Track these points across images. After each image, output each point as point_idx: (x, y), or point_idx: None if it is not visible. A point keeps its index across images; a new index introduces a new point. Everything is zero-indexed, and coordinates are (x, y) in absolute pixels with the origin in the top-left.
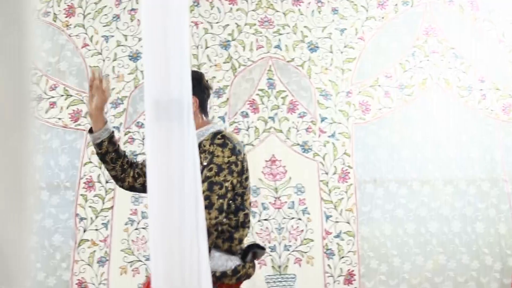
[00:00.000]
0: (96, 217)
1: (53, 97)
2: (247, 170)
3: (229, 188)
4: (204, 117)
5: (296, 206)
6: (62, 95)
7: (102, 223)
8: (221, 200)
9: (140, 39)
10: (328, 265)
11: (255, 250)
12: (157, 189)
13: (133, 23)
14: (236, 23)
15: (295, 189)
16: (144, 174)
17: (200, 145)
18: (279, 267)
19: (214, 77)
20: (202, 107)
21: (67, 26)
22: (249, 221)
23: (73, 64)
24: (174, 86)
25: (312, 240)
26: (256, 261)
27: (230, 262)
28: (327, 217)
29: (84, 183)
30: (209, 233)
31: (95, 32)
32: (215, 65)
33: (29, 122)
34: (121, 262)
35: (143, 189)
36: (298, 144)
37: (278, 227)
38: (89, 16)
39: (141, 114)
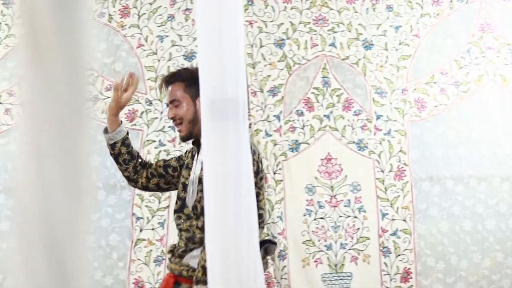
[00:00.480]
0: (153, 216)
1: (108, 97)
2: (262, 170)
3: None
4: None
5: (352, 204)
6: None
7: (159, 223)
8: None
9: (194, 39)
10: (385, 263)
11: (267, 245)
12: (212, 189)
13: (188, 23)
14: (290, 22)
15: (351, 187)
16: (158, 175)
17: None
18: (335, 265)
19: (269, 75)
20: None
21: (122, 26)
22: (263, 221)
23: (128, 64)
24: (229, 85)
25: (368, 238)
26: (268, 257)
27: None
28: (383, 215)
29: None
30: None
31: (150, 32)
32: (270, 64)
33: (86, 122)
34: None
35: (157, 189)
36: (353, 142)
37: (334, 225)
38: (144, 17)
39: None
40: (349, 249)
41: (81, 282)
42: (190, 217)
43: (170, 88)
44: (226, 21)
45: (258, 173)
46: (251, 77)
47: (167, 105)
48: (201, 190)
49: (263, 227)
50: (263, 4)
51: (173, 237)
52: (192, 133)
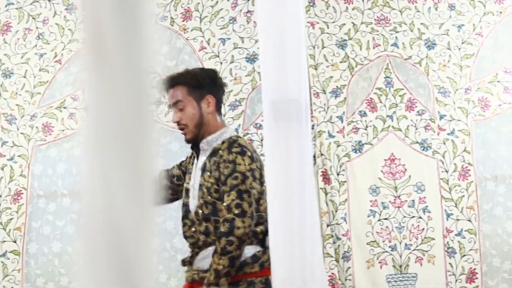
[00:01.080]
0: None
1: None
2: (262, 176)
3: (256, 196)
4: (218, 118)
5: (416, 204)
6: None
7: None
8: (251, 208)
9: (256, 41)
10: (450, 264)
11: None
12: (276, 191)
13: (249, 25)
14: (352, 22)
15: (415, 187)
16: (163, 187)
17: (215, 152)
18: (400, 266)
19: (331, 76)
20: (218, 106)
21: (184, 29)
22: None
23: (191, 67)
24: (291, 87)
25: (433, 239)
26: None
27: (247, 251)
28: (448, 215)
29: None
30: (243, 241)
31: (212, 35)
32: (332, 65)
33: (149, 125)
34: None
35: (166, 201)
36: (417, 142)
37: (399, 226)
38: (205, 19)
39: (259, 115)
40: (414, 250)
41: (147, 285)
42: (194, 222)
43: (171, 90)
44: (287, 23)
45: (261, 178)
46: (313, 78)
47: (169, 108)
48: (202, 196)
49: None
50: (324, 5)
51: None
52: (198, 137)
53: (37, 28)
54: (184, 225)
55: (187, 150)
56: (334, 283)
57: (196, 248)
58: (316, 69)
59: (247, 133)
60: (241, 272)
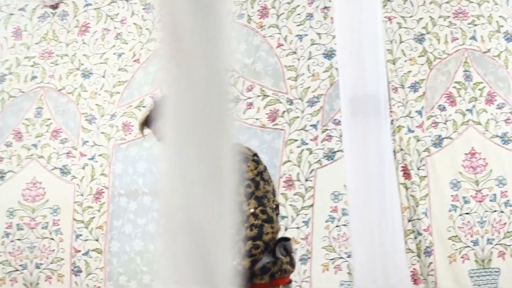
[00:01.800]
0: (297, 215)
1: (250, 98)
2: (269, 175)
3: (271, 198)
4: None
5: (498, 198)
6: (259, 96)
7: (303, 221)
8: (273, 212)
9: (334, 37)
10: None
11: (283, 243)
12: (356, 186)
13: (327, 21)
14: (430, 16)
15: (496, 181)
16: None
17: None
18: (482, 261)
19: (410, 71)
20: None
21: (261, 27)
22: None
23: (268, 64)
24: (370, 82)
25: None
26: (293, 255)
27: (260, 262)
28: None
29: (284, 181)
30: (268, 247)
31: (289, 32)
32: (410, 59)
33: (228, 123)
34: (322, 260)
35: None
36: (497, 136)
37: (480, 220)
38: (282, 16)
39: (337, 111)
40: (496, 244)
41: (228, 282)
42: None
43: None
44: (365, 18)
45: (269, 178)
46: (392, 73)
47: None
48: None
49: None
50: None
51: (318, 236)
52: None
53: (115, 28)
54: None
55: (265, 146)
56: (416, 278)
57: None
58: (394, 64)
59: (326, 129)
60: (250, 283)
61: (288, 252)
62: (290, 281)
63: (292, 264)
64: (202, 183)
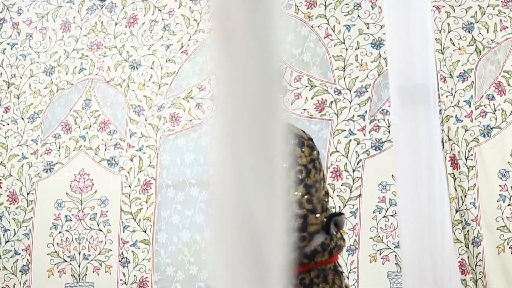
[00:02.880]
0: (344, 205)
1: (297, 88)
2: (320, 163)
3: (319, 188)
4: None
5: None
6: (307, 86)
7: (350, 212)
8: (319, 203)
9: (382, 26)
10: None
11: (335, 219)
12: (405, 176)
13: (375, 10)
14: (478, 5)
15: None
16: None
17: None
18: None
19: (458, 60)
20: None
21: (309, 17)
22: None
23: (316, 54)
24: (419, 71)
25: None
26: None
27: (315, 240)
28: None
29: (331, 172)
30: (314, 237)
31: (337, 22)
32: (459, 49)
33: (278, 114)
34: (370, 250)
35: None
36: None
37: None
38: (330, 6)
39: (385, 101)
40: None
41: (279, 274)
42: None
43: None
44: (413, 7)
45: (321, 167)
46: (440, 62)
47: None
48: None
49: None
50: None
51: (365, 227)
52: None
53: (163, 19)
54: None
55: (313, 136)
56: (464, 268)
57: None
58: (442, 53)
59: (374, 119)
60: (312, 261)
61: (339, 227)
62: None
63: (343, 239)
64: (254, 173)
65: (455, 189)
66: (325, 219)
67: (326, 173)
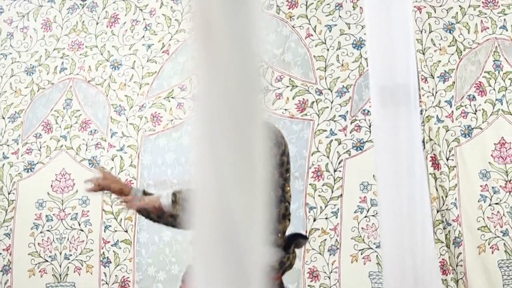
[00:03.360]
0: (326, 205)
1: (279, 88)
2: (287, 162)
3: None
4: None
5: None
6: (288, 86)
7: (332, 212)
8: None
9: (363, 27)
10: None
11: (298, 240)
12: (386, 176)
13: (356, 11)
14: (459, 6)
15: None
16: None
17: None
18: None
19: (439, 61)
20: None
21: (290, 17)
22: (289, 213)
23: (297, 54)
24: (400, 71)
25: None
26: (297, 250)
27: (275, 255)
28: None
29: (313, 172)
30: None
31: (318, 22)
32: (440, 49)
33: (259, 113)
34: (352, 250)
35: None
36: None
37: (510, 210)
38: (311, 6)
39: (367, 101)
40: None
41: (258, 275)
42: None
43: None
44: (394, 8)
45: (283, 165)
46: (421, 63)
47: None
48: None
49: (290, 220)
50: None
51: (347, 227)
52: None
53: (144, 19)
54: None
55: (294, 137)
56: (445, 269)
57: None
58: (423, 54)
59: (355, 119)
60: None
61: (297, 247)
62: None
63: (296, 257)
64: (234, 174)
65: (436, 189)
66: (285, 237)
67: (307, 173)
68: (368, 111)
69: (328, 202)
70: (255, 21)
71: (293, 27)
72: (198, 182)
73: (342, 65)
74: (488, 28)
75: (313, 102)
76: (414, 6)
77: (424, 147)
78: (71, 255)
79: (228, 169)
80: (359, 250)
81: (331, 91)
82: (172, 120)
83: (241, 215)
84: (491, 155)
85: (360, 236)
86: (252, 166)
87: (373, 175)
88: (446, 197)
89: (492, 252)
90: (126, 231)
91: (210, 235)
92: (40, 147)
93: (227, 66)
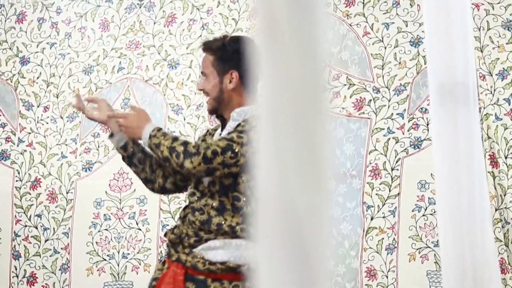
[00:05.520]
0: (383, 204)
1: (336, 87)
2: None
3: None
4: (244, 94)
5: None
6: (345, 84)
7: (389, 210)
8: None
9: (420, 24)
10: None
11: None
12: (445, 174)
13: (413, 8)
14: None
15: None
16: (173, 173)
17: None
18: None
19: (498, 58)
20: (243, 82)
21: (347, 15)
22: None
23: (354, 53)
24: (458, 69)
25: None
26: None
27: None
28: None
29: (370, 170)
30: None
31: (375, 20)
32: (498, 47)
33: (324, 112)
34: (409, 249)
35: (175, 188)
36: None
37: None
38: (369, 4)
39: (424, 99)
40: None
41: (323, 272)
42: (205, 194)
43: (204, 56)
44: (453, 5)
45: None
46: (479, 60)
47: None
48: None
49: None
50: None
51: (404, 225)
52: (217, 110)
53: (201, 18)
54: (192, 194)
55: (352, 135)
56: (504, 268)
57: (206, 231)
58: (482, 51)
59: (413, 118)
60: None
61: None
62: None
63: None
64: (299, 173)
65: (495, 188)
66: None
67: (364, 172)
68: (426, 109)
69: (385, 200)
70: (320, 20)
71: (350, 25)
72: (263, 183)
73: (400, 63)
74: None
75: (370, 100)
76: (472, 4)
77: (483, 145)
78: (129, 253)
79: (294, 169)
80: (417, 249)
81: (389, 89)
82: None
83: (305, 213)
84: None
85: (418, 235)
86: (318, 164)
87: (431, 174)
88: (504, 195)
89: None
90: None
91: (273, 232)
92: (98, 147)
93: (293, 66)
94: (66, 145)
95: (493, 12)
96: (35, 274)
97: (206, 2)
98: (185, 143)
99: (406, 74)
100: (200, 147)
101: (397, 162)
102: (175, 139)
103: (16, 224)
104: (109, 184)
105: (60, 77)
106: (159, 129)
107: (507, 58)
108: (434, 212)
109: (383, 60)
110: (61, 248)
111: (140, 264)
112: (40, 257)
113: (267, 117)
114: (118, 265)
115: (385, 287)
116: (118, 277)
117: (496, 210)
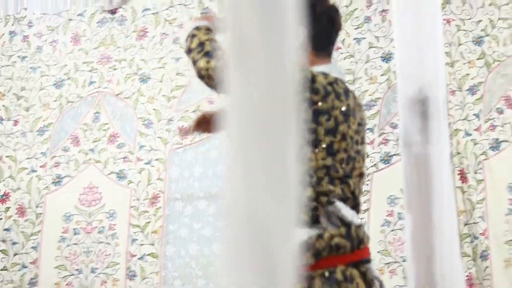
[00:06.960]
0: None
1: None
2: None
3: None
4: (316, 55)
5: None
6: None
7: None
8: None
9: (392, 40)
10: None
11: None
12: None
13: (385, 24)
14: (489, 18)
15: None
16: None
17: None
18: None
19: (468, 74)
20: (313, 41)
21: None
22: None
23: None
24: (428, 85)
25: None
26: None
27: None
28: None
29: None
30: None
31: (347, 35)
32: (469, 62)
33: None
34: (378, 264)
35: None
36: None
37: None
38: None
39: (395, 114)
40: None
41: (289, 279)
42: None
43: None
44: (424, 21)
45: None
46: (450, 76)
47: None
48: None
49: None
50: (460, 1)
51: (374, 240)
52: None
53: (173, 32)
54: None
55: None
56: (471, 283)
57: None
58: (452, 67)
59: (383, 133)
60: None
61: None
62: (356, 261)
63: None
64: (267, 186)
65: (464, 203)
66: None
67: None
68: (396, 124)
69: None
70: (290, 35)
71: None
72: (229, 195)
73: (371, 78)
74: None
75: None
76: (443, 19)
77: (452, 161)
78: (97, 268)
79: (261, 181)
80: (386, 264)
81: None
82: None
83: (273, 227)
84: None
85: (387, 250)
86: (286, 177)
87: (401, 189)
88: (473, 210)
89: None
90: (153, 245)
91: (241, 247)
92: (68, 161)
93: (260, 78)
94: (36, 159)
95: (464, 28)
96: None
97: (178, 17)
98: None
99: (377, 89)
100: None
101: (367, 176)
102: None
103: None
104: (79, 198)
105: (30, 91)
106: None
107: (477, 74)
108: (403, 227)
109: (354, 75)
110: (30, 263)
111: (108, 279)
112: (8, 271)
113: (235, 131)
114: (87, 279)
115: None
116: None
117: (465, 225)
